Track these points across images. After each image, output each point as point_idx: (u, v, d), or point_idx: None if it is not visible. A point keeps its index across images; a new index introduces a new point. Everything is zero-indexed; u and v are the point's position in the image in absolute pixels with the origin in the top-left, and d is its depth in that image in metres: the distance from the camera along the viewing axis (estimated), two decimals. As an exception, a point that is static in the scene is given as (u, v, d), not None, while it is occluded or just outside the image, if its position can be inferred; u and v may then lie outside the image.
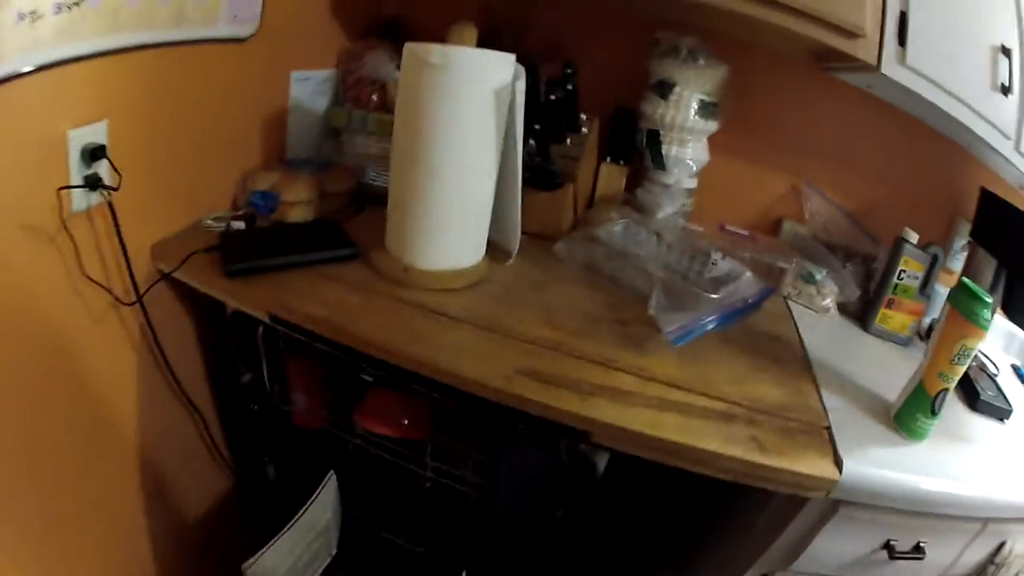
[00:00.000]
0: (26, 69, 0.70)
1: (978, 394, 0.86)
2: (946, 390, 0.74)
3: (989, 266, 1.02)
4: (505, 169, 0.96)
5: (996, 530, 0.77)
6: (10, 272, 0.76)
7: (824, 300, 1.12)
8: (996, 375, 0.92)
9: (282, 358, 1.07)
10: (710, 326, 0.91)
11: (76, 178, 0.80)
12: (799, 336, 1.02)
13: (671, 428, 0.74)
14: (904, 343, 1.05)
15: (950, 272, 1.16)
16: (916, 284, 1.03)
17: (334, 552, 1.19)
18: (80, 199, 0.81)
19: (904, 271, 1.03)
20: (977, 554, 0.81)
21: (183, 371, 1.07)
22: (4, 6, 0.65)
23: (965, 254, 1.16)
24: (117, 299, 0.91)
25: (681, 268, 1.04)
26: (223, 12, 0.96)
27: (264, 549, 0.98)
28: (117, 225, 0.85)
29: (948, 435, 0.79)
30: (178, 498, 1.21)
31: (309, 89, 1.22)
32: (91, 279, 0.86)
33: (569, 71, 1.03)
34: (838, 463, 0.71)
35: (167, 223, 1.00)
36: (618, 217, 1.13)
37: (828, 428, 0.77)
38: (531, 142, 1.05)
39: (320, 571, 1.16)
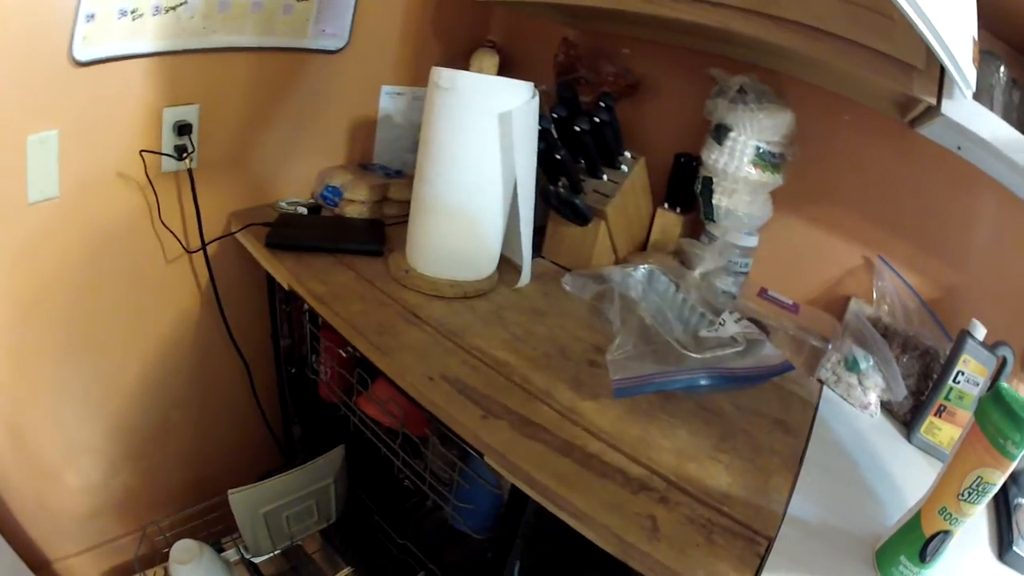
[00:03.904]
0: (128, 53, 0.92)
1: (1011, 541, 0.67)
2: (947, 533, 0.58)
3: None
4: (515, 192, 0.99)
5: None
6: (109, 208, 1.00)
7: (866, 394, 0.95)
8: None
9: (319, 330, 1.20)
10: (673, 385, 0.84)
11: (167, 145, 1.02)
12: (811, 427, 0.89)
13: (553, 473, 0.68)
14: (953, 461, 0.85)
15: (1041, 380, 0.91)
16: (976, 391, 0.84)
17: (333, 519, 1.30)
18: (168, 162, 1.03)
19: (962, 372, 0.84)
20: None
21: (240, 323, 1.26)
22: (108, 2, 0.86)
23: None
24: (183, 246, 1.12)
25: (684, 322, 0.97)
26: (311, 27, 1.13)
27: (252, 484, 1.12)
28: (194, 188, 1.07)
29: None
30: (214, 428, 1.39)
31: (402, 103, 1.36)
32: (166, 226, 1.07)
33: (603, 104, 1.02)
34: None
35: (248, 197, 1.20)
36: (654, 264, 1.08)
37: (770, 539, 0.63)
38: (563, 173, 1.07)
39: (312, 529, 1.27)
